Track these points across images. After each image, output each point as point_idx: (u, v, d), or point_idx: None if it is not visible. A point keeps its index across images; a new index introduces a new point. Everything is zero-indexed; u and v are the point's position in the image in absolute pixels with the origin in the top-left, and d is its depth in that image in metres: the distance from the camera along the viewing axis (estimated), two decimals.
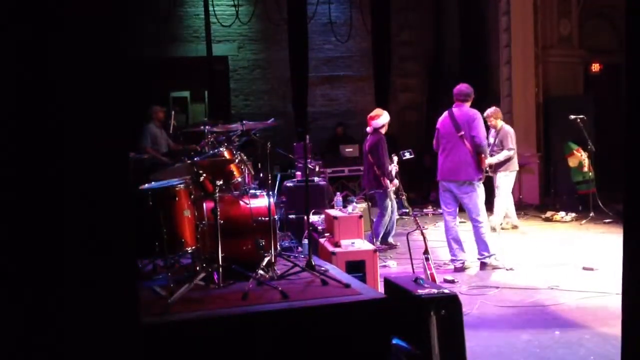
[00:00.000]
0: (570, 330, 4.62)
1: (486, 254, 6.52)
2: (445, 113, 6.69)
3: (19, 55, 2.09)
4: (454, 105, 6.64)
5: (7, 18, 2.07)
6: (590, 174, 9.84)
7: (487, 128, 7.94)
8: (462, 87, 6.69)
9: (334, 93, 13.86)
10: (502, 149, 8.49)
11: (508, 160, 8.51)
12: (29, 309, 2.09)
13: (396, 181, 7.69)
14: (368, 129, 7.80)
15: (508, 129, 8.65)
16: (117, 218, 2.26)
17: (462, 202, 6.58)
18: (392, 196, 7.79)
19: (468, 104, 6.61)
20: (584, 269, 6.40)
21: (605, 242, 7.76)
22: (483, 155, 6.46)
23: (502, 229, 8.76)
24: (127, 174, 2.34)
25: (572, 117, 9.41)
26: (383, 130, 7.73)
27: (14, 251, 2.08)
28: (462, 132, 6.42)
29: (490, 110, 8.62)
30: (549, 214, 9.84)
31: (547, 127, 11.61)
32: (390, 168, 7.63)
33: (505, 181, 8.60)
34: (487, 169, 7.41)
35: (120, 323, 2.22)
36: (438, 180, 6.74)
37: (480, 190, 6.51)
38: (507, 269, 6.48)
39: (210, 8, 11.96)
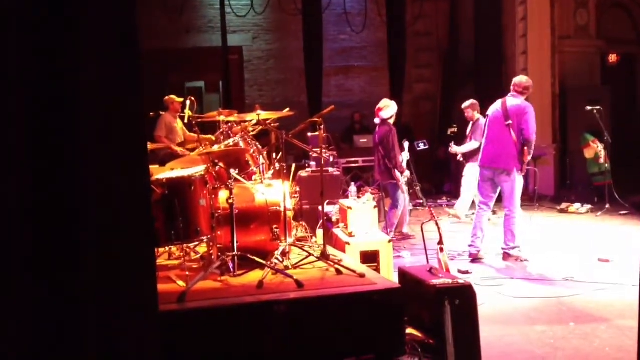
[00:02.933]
0: (585, 322, 4.61)
1: (512, 244, 6.52)
2: (499, 101, 6.70)
3: (34, 49, 2.11)
4: (509, 95, 6.67)
5: (19, 14, 2.08)
6: (607, 165, 9.78)
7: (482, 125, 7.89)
8: (522, 79, 6.78)
9: (348, 83, 13.81)
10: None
11: (477, 151, 8.45)
12: (48, 298, 2.12)
13: (407, 172, 7.64)
14: (376, 120, 7.73)
15: (482, 122, 8.60)
16: (136, 207, 2.28)
17: (501, 190, 6.59)
18: (405, 187, 7.74)
19: (524, 97, 6.63)
20: (600, 260, 6.37)
21: (621, 234, 7.72)
22: (527, 149, 6.43)
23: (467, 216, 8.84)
24: (145, 163, 2.36)
25: (589, 108, 9.34)
26: (392, 121, 7.67)
27: (35, 241, 2.11)
28: (510, 122, 6.43)
29: (468, 103, 8.81)
30: (564, 205, 9.79)
31: (563, 118, 11.53)
32: (401, 158, 7.59)
33: (472, 172, 8.47)
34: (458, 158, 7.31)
35: (140, 311, 2.24)
36: (480, 167, 6.79)
37: (519, 181, 6.49)
38: (522, 260, 6.46)
39: None
